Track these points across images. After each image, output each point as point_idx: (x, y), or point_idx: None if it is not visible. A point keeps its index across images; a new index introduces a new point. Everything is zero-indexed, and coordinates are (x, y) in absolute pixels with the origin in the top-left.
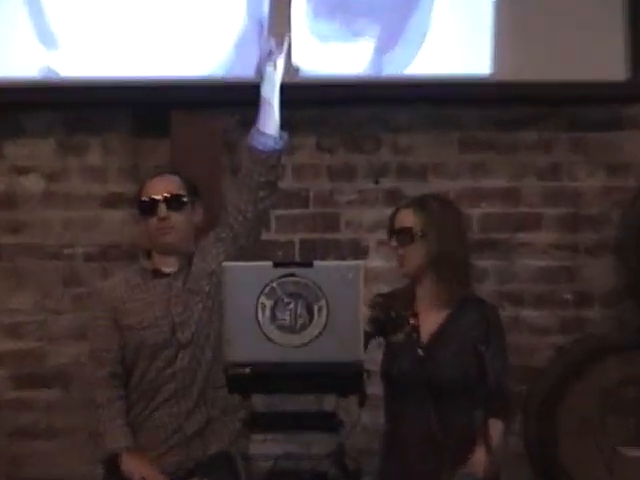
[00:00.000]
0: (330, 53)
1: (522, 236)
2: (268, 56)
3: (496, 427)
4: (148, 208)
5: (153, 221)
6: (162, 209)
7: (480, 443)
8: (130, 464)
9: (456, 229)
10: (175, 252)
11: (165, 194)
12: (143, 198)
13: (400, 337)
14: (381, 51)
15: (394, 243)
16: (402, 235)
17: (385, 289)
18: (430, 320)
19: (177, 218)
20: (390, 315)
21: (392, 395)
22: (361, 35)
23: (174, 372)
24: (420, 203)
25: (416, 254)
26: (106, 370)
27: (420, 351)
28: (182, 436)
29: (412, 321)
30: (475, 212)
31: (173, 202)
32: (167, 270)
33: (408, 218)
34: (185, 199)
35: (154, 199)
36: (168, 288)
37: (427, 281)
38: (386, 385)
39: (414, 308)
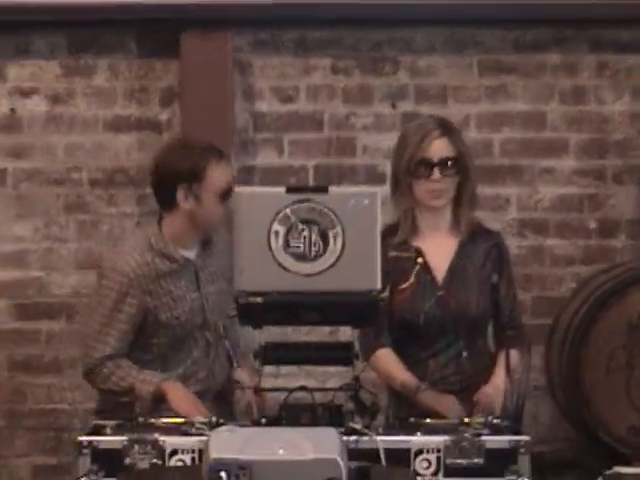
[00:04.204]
0: None
1: (545, 162)
2: None
3: (514, 357)
4: (226, 193)
5: (221, 207)
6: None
7: (498, 373)
8: (177, 396)
9: (470, 153)
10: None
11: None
12: (225, 182)
13: (412, 279)
14: None
15: (437, 175)
16: (445, 166)
17: None
18: (439, 254)
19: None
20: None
21: (414, 340)
22: None
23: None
24: (450, 129)
25: (453, 184)
26: (107, 351)
27: (440, 292)
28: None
29: (420, 260)
30: (496, 137)
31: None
32: (188, 255)
33: (447, 147)
34: None
35: (232, 187)
36: (195, 278)
37: (443, 211)
38: (406, 333)
39: (413, 243)
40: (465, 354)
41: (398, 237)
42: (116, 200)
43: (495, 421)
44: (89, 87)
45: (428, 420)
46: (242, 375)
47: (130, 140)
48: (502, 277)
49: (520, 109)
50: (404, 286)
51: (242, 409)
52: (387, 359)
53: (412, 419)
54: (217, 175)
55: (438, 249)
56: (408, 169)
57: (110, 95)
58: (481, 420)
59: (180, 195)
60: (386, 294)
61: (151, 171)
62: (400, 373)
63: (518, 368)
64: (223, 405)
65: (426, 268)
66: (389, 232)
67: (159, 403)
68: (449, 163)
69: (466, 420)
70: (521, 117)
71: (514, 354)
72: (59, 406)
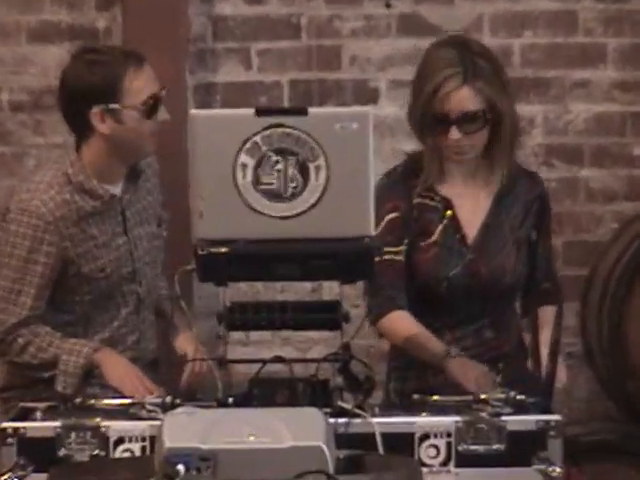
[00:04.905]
0: None
1: (578, 74)
2: None
3: (549, 314)
4: (153, 107)
5: (149, 124)
6: (163, 111)
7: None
8: (116, 369)
9: (507, 85)
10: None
11: (162, 90)
12: (149, 92)
13: (436, 236)
14: None
15: (455, 135)
16: (465, 123)
17: (403, 145)
18: (471, 207)
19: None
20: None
21: (429, 307)
22: None
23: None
24: (477, 71)
25: (482, 137)
26: (22, 314)
27: (469, 254)
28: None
29: (449, 213)
30: (516, 43)
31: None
32: (113, 191)
33: (470, 99)
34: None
35: (159, 96)
36: (122, 219)
37: (475, 157)
38: (422, 298)
39: (441, 191)
40: (487, 323)
41: (423, 181)
42: (44, 128)
43: (519, 397)
44: None
45: (436, 397)
46: (184, 345)
47: (60, 52)
48: (541, 232)
49: (545, 7)
50: (427, 243)
51: (185, 384)
52: (406, 321)
53: (416, 396)
54: (137, 86)
55: (470, 200)
56: (422, 122)
57: None
58: (501, 396)
59: (95, 117)
60: (404, 247)
61: (58, 89)
62: (424, 335)
63: (554, 324)
64: (156, 379)
65: (455, 224)
66: (413, 170)
67: (89, 378)
68: (471, 119)
69: (482, 396)
70: (547, 17)
71: (550, 310)
72: None
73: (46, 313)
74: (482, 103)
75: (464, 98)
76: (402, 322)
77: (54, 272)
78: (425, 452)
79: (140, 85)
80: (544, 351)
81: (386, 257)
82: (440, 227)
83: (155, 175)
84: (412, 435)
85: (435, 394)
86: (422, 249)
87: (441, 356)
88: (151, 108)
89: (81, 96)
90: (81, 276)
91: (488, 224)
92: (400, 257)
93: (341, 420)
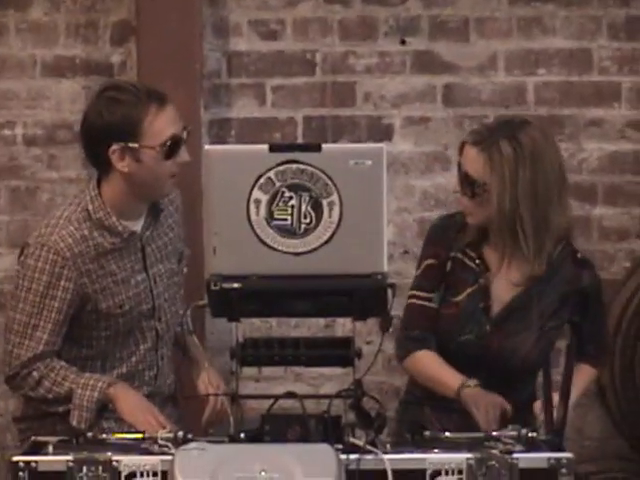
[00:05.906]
0: None
1: (592, 112)
2: None
3: (585, 374)
4: (172, 148)
5: (168, 165)
6: (184, 152)
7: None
8: (129, 404)
9: (548, 177)
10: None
11: (185, 130)
12: (169, 133)
13: (463, 297)
14: None
15: (457, 189)
16: (464, 183)
17: (417, 182)
18: (506, 279)
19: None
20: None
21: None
22: None
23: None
24: (490, 143)
25: (480, 210)
26: (38, 349)
27: (488, 325)
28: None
29: (482, 280)
30: (530, 81)
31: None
32: (133, 227)
33: (475, 163)
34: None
35: (179, 137)
36: (142, 256)
37: (501, 233)
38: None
39: (484, 252)
40: (495, 391)
41: (468, 235)
42: (58, 162)
43: (530, 434)
44: (24, 22)
45: (448, 434)
46: (207, 383)
47: (75, 87)
48: (587, 315)
49: (560, 46)
50: (451, 300)
51: (207, 421)
52: (430, 359)
53: (428, 432)
54: (157, 126)
55: (507, 273)
56: None
57: (50, 31)
58: (513, 433)
59: (114, 156)
60: (436, 294)
61: (80, 125)
62: (445, 370)
63: (585, 386)
64: (173, 414)
65: (484, 292)
66: (462, 223)
67: (103, 412)
68: (467, 181)
69: (494, 433)
70: (561, 56)
71: (583, 370)
72: None
73: (64, 347)
74: (485, 176)
75: (471, 160)
76: (426, 360)
77: (71, 308)
78: None
79: (160, 126)
80: (555, 397)
81: (418, 302)
82: (469, 290)
83: (177, 211)
84: (423, 472)
85: (448, 430)
86: (450, 305)
87: (457, 387)
88: (170, 149)
89: (101, 133)
90: (99, 312)
91: (516, 304)
92: (431, 304)
93: (352, 456)
